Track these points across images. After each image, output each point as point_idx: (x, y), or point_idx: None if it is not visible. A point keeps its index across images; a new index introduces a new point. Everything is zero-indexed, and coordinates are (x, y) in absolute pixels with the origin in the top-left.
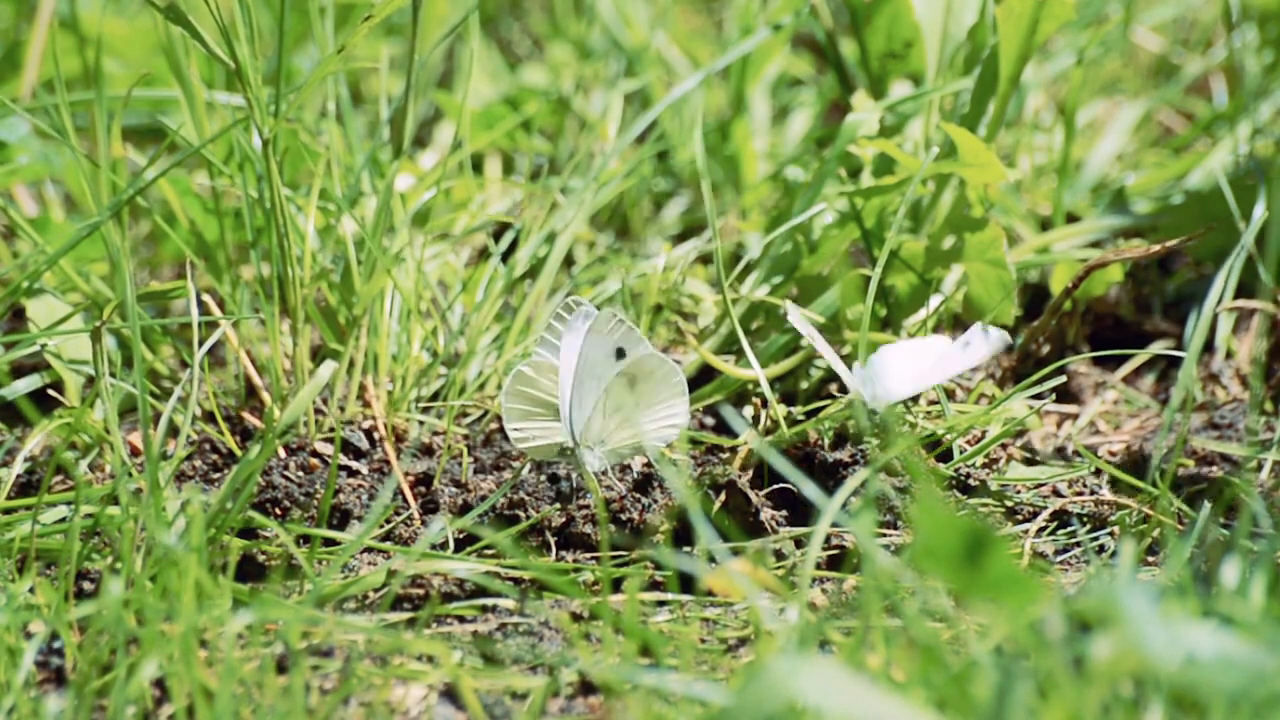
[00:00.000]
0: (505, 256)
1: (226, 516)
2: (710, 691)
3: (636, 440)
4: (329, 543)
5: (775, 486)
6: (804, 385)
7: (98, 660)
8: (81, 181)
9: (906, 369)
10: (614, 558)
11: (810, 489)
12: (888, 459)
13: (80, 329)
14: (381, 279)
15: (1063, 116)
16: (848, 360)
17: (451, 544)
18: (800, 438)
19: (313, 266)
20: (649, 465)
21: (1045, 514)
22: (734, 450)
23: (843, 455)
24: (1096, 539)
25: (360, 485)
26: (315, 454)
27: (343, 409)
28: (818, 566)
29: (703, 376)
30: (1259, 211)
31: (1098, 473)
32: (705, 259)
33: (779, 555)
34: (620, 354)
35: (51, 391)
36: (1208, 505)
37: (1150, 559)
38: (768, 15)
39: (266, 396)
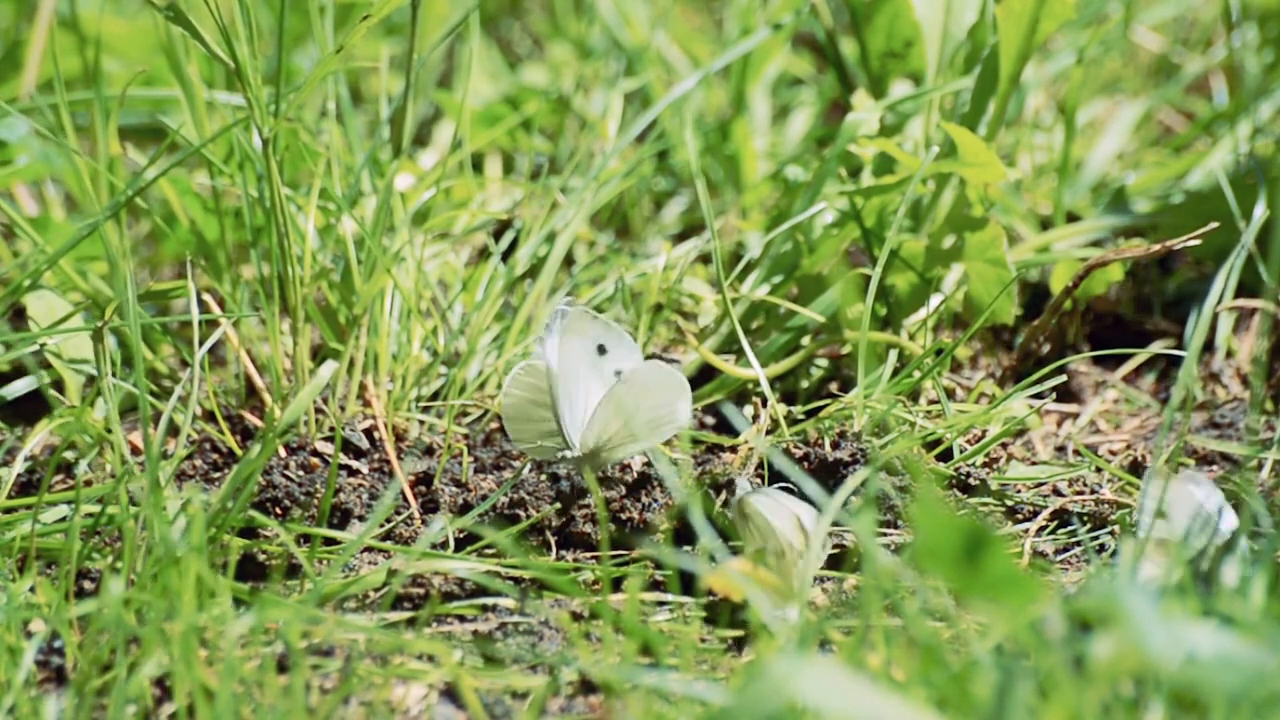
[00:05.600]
0: (505, 256)
1: (227, 516)
2: (710, 691)
3: (636, 441)
4: (329, 542)
5: (776, 486)
6: (804, 384)
7: (98, 659)
8: (81, 181)
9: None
10: (614, 557)
11: (811, 488)
12: (888, 458)
13: (80, 328)
14: (381, 278)
15: (1063, 116)
16: (851, 358)
17: (452, 543)
18: (800, 437)
19: (313, 266)
20: (649, 464)
21: (1045, 513)
22: (734, 449)
23: (843, 454)
24: (1096, 538)
25: (360, 485)
26: (315, 453)
27: (343, 408)
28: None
29: (703, 376)
30: (1259, 211)
31: (1098, 472)
32: (705, 258)
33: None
34: (601, 350)
35: (52, 391)
36: None
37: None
38: (768, 14)
39: (267, 396)
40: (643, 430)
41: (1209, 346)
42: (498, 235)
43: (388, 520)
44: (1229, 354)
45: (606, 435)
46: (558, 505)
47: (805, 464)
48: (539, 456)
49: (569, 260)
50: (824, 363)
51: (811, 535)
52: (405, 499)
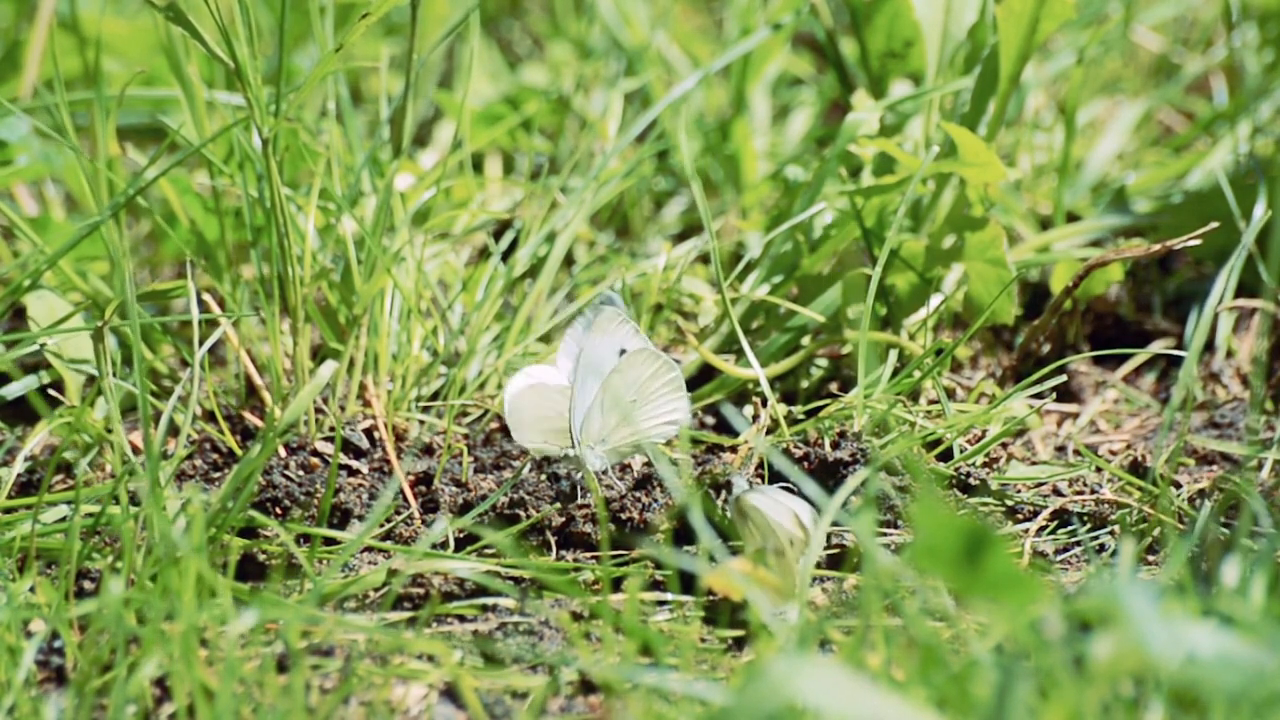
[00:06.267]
0: (505, 256)
1: (227, 516)
2: (710, 691)
3: (637, 438)
4: (329, 542)
5: (776, 485)
6: (804, 384)
7: (98, 659)
8: (81, 181)
9: None
10: (614, 557)
11: (811, 488)
12: (888, 458)
13: (81, 328)
14: (382, 278)
15: (1063, 116)
16: (851, 358)
17: (452, 543)
18: (800, 437)
19: (313, 266)
20: (649, 464)
21: (1045, 513)
22: (735, 449)
23: (843, 454)
24: (1096, 538)
25: (360, 485)
26: (315, 453)
27: (343, 408)
28: (818, 566)
29: (703, 376)
30: (1259, 211)
31: (1098, 472)
32: (705, 258)
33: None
34: (623, 352)
35: (52, 391)
36: (1208, 505)
37: (1150, 558)
38: (768, 15)
39: (267, 396)
40: (643, 420)
41: (1209, 346)
42: (498, 235)
43: (388, 520)
44: (1229, 354)
45: (607, 428)
46: (558, 505)
47: (805, 464)
48: (540, 455)
49: (569, 260)
50: (824, 363)
51: (810, 531)
52: (405, 499)
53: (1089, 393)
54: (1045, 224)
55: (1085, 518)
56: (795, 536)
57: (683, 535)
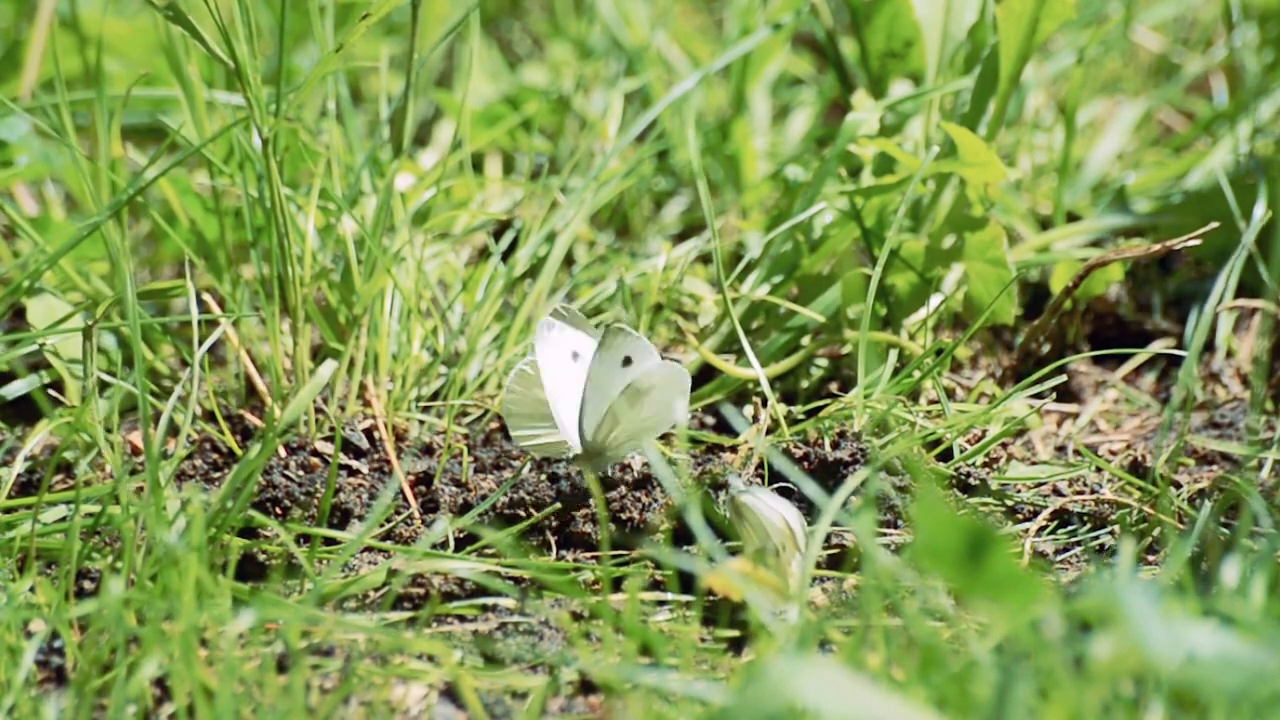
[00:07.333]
0: (505, 256)
1: (227, 516)
2: (710, 691)
3: (639, 440)
4: (329, 542)
5: (776, 486)
6: (804, 384)
7: (98, 659)
8: (82, 181)
9: None
10: (614, 557)
11: (810, 488)
12: (888, 458)
13: (80, 329)
14: (382, 278)
15: (1063, 116)
16: (851, 358)
17: (452, 543)
18: (800, 437)
19: (313, 266)
20: (650, 464)
21: (1045, 513)
22: (735, 449)
23: (843, 454)
24: (1096, 538)
25: (360, 484)
26: (315, 453)
27: (343, 408)
28: (818, 566)
29: (703, 376)
30: (1259, 211)
31: (1098, 472)
32: (706, 258)
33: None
34: (627, 361)
35: (51, 391)
36: (1208, 505)
37: (1150, 558)
38: (768, 14)
39: (267, 396)
40: (644, 425)
41: (1209, 346)
42: (498, 235)
43: (388, 520)
44: (1229, 354)
45: (612, 433)
46: (557, 505)
47: (805, 464)
48: (541, 454)
49: (569, 260)
50: (824, 363)
51: (808, 533)
52: (405, 499)
53: (1089, 393)
54: (1045, 224)
55: (1085, 518)
56: (787, 539)
57: (682, 535)
